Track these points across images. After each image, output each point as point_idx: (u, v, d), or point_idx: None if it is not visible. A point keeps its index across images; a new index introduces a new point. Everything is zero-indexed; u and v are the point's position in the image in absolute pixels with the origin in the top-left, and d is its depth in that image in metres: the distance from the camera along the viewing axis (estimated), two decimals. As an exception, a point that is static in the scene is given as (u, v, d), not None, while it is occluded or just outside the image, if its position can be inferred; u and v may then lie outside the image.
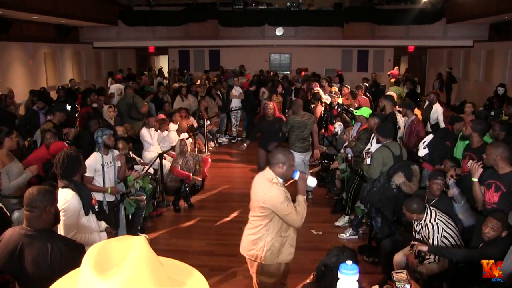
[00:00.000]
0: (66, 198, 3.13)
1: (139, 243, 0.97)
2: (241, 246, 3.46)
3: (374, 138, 5.22)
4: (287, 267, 3.42)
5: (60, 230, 3.12)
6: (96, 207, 3.48)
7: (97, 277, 0.92)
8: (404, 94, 10.93)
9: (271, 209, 3.11)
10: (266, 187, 3.12)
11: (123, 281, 0.91)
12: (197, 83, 13.05)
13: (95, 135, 4.51)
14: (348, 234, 5.45)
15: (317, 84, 10.31)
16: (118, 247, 0.98)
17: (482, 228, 3.37)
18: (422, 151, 5.39)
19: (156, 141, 7.03)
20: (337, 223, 5.81)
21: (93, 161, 4.38)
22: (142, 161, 6.49)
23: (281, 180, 3.20)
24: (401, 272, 2.82)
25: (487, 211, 3.69)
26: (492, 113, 6.34)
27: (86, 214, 3.29)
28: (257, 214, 3.23)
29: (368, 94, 10.18)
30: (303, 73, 14.35)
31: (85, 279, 0.94)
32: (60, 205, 3.05)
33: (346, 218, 5.81)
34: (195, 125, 9.02)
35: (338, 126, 7.58)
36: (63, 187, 3.19)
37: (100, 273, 0.92)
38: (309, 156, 6.77)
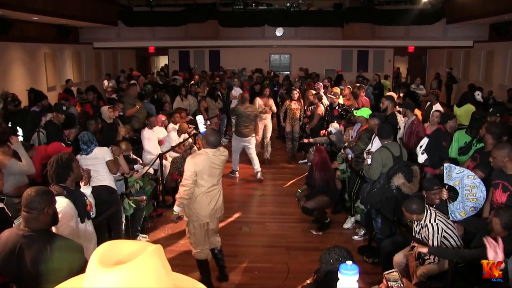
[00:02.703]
0: (60, 206, 3.02)
1: (154, 247, 0.98)
2: (214, 212, 4.07)
3: (375, 138, 5.22)
4: None
5: None
6: (91, 213, 3.40)
7: (99, 269, 0.93)
8: (390, 87, 11.04)
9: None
10: (220, 153, 4.05)
11: (126, 277, 0.92)
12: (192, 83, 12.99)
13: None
14: (361, 234, 5.46)
15: (321, 84, 10.28)
16: (130, 248, 0.99)
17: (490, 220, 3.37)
18: (421, 157, 5.37)
19: (156, 141, 7.03)
20: (345, 225, 5.82)
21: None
22: (141, 161, 6.48)
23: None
24: (393, 272, 2.85)
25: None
26: (491, 109, 6.09)
27: (82, 221, 3.22)
28: (218, 177, 4.07)
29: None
30: (298, 74, 14.43)
31: (89, 270, 0.96)
32: None
33: (353, 219, 5.82)
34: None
35: (331, 128, 7.59)
36: (56, 194, 3.04)
37: (104, 265, 0.93)
38: (250, 142, 7.78)
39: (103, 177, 4.46)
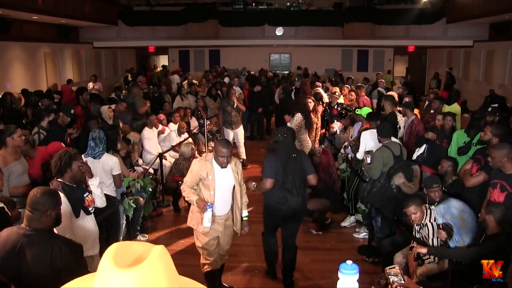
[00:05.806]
0: None
1: (160, 248, 1.01)
2: None
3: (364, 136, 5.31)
4: None
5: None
6: (91, 208, 3.40)
7: (115, 269, 0.93)
8: (392, 80, 11.19)
9: None
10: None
11: (142, 277, 0.93)
12: (195, 82, 12.98)
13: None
14: (363, 234, 5.47)
15: (319, 84, 10.27)
16: (140, 248, 1.01)
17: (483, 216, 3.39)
18: (415, 155, 5.46)
19: (156, 141, 7.03)
20: (343, 224, 5.82)
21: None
22: (141, 161, 6.48)
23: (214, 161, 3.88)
24: (394, 267, 2.86)
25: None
26: (489, 108, 5.98)
27: (76, 216, 3.24)
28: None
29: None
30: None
31: (103, 270, 0.96)
32: None
33: (352, 218, 5.82)
34: (195, 124, 9.04)
35: (336, 126, 7.57)
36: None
37: (119, 266, 0.94)
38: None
39: (103, 186, 4.40)
